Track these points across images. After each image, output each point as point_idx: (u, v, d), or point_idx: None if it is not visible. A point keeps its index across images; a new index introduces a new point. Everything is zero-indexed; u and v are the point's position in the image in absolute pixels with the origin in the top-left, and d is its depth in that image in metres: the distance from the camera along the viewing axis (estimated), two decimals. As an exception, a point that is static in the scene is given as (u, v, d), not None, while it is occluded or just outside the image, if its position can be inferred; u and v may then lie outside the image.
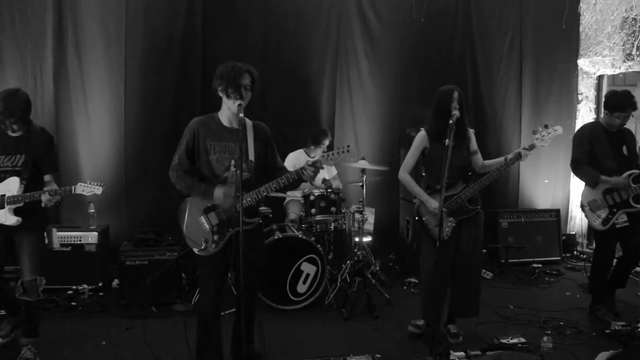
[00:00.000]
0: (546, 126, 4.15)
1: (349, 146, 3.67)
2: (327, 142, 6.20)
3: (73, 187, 3.89)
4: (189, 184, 3.63)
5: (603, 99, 5.26)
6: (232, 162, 3.60)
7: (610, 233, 4.93)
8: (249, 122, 3.72)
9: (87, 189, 3.91)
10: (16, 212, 3.90)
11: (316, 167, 3.55)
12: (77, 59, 6.26)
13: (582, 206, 5.11)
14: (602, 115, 5.26)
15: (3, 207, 3.87)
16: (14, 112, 3.80)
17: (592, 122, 5.23)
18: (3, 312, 4.60)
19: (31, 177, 3.96)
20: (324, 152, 3.72)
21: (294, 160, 6.16)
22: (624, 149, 4.96)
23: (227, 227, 3.62)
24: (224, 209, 3.60)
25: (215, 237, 3.62)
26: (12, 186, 3.89)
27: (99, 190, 3.95)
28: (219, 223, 3.62)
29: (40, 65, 6.13)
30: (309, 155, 6.20)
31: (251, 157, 3.65)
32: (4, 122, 3.82)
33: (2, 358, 4.13)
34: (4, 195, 3.87)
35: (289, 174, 3.56)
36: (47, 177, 4.05)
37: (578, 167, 5.07)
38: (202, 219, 3.63)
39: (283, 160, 5.86)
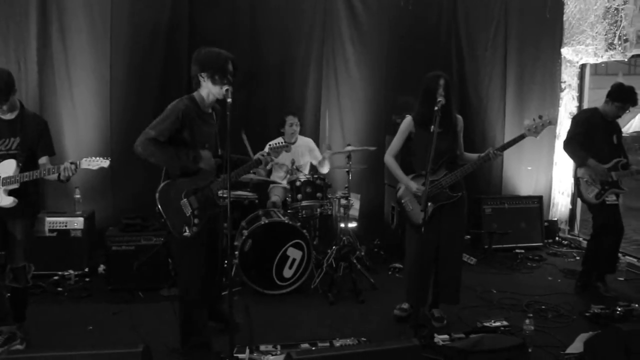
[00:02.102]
0: (540, 117, 4.20)
1: (282, 142, 4.10)
2: (291, 121, 6.23)
3: (78, 162, 3.88)
4: (172, 154, 3.64)
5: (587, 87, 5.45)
6: (206, 145, 3.74)
7: (604, 208, 5.20)
8: (217, 107, 3.88)
9: (92, 163, 3.90)
10: (13, 194, 3.90)
11: (270, 158, 3.90)
12: (62, 44, 6.20)
13: (578, 179, 5.34)
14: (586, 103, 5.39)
15: None
16: None
17: (592, 108, 5.51)
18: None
19: (27, 160, 3.96)
20: (269, 146, 3.99)
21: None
22: (614, 137, 5.29)
23: (206, 210, 3.74)
24: (202, 193, 3.73)
25: (196, 221, 3.72)
26: (8, 168, 3.89)
27: (105, 164, 3.92)
28: (199, 207, 3.72)
29: (25, 50, 6.05)
30: (286, 142, 6.24)
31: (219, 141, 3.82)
32: None
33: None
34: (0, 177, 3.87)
35: (247, 165, 3.87)
36: (42, 160, 4.05)
37: (570, 145, 5.31)
38: (185, 202, 3.72)
39: (255, 149, 5.99)
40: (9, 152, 3.93)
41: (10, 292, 4.11)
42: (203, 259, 3.81)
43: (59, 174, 3.85)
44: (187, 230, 3.70)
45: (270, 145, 3.98)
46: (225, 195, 3.69)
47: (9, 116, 3.95)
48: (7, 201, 3.89)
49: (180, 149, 3.65)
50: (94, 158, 3.93)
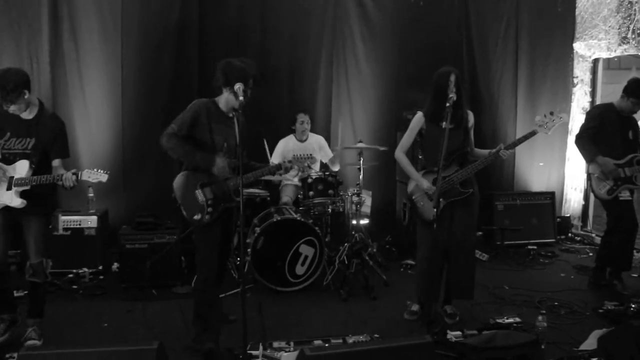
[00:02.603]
0: (552, 113, 4.18)
1: (311, 155, 4.33)
2: (302, 119, 6.25)
3: (80, 172, 3.93)
4: (188, 151, 3.87)
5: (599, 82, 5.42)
6: (225, 145, 3.95)
7: (617, 204, 5.17)
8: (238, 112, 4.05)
9: (92, 175, 3.97)
10: (23, 195, 3.92)
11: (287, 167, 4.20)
12: (74, 43, 6.25)
13: (590, 174, 5.31)
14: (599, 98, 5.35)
15: (10, 189, 3.90)
16: (4, 86, 3.73)
17: (606, 103, 5.44)
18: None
19: (40, 162, 3.98)
20: (294, 155, 4.25)
21: (283, 145, 6.25)
22: (630, 133, 5.22)
23: (220, 202, 3.92)
24: (217, 186, 3.93)
25: (210, 209, 3.90)
26: (21, 169, 3.92)
27: (104, 178, 4.02)
28: (213, 197, 3.91)
29: (37, 51, 6.11)
30: (298, 140, 6.28)
31: (239, 141, 4.00)
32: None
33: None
34: (13, 177, 3.91)
35: (267, 168, 4.18)
36: (55, 162, 4.06)
37: (581, 140, 5.28)
38: (198, 192, 3.91)
39: (273, 147, 6.17)
40: (25, 151, 3.95)
41: (29, 288, 4.17)
42: (217, 251, 4.01)
43: (62, 182, 3.89)
44: (200, 216, 3.88)
45: (294, 155, 4.27)
46: (256, 191, 4.34)
47: (28, 115, 3.96)
48: (17, 202, 3.91)
49: (197, 150, 3.87)
50: (94, 170, 4.01)
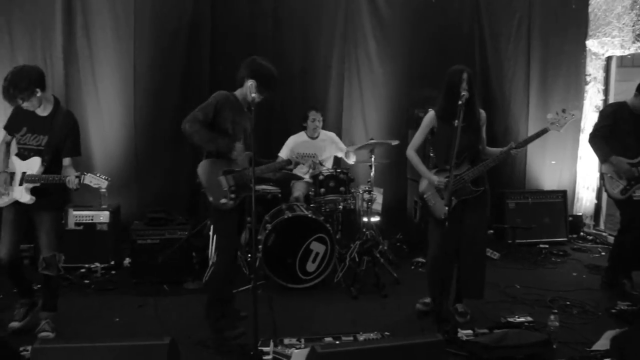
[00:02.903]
0: (564, 110, 4.15)
1: (311, 158, 4.76)
2: (313, 116, 6.25)
3: (83, 176, 3.98)
4: (211, 137, 4.01)
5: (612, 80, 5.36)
6: (242, 137, 4.14)
7: (631, 204, 5.11)
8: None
9: (94, 180, 4.02)
10: (33, 191, 4.00)
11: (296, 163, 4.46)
12: (87, 40, 6.29)
13: (603, 174, 5.27)
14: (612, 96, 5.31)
15: (21, 185, 3.98)
16: (17, 83, 3.81)
17: (619, 102, 5.38)
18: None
19: (52, 159, 4.05)
20: (298, 153, 4.49)
21: (293, 142, 6.26)
22: None
23: (241, 190, 4.11)
24: (238, 175, 4.11)
25: (232, 196, 4.08)
26: (33, 165, 4.01)
27: (104, 184, 4.07)
28: (235, 185, 4.10)
29: (50, 47, 6.17)
30: (309, 137, 6.29)
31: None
32: (7, 90, 3.84)
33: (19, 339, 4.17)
34: (25, 172, 3.99)
35: (278, 163, 4.46)
36: (66, 161, 4.13)
37: (595, 140, 5.23)
38: (221, 179, 4.08)
39: (282, 143, 6.24)
40: (39, 148, 4.03)
41: (42, 281, 4.23)
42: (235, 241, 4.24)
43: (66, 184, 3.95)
44: (225, 200, 4.05)
45: (299, 153, 4.62)
46: (267, 188, 4.56)
47: (43, 112, 4.04)
48: (26, 198, 4.00)
49: (217, 135, 4.02)
50: (96, 176, 4.05)
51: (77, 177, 3.95)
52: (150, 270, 5.33)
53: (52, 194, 4.08)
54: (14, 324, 4.21)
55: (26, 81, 3.83)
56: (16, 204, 4.05)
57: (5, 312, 4.52)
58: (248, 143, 4.14)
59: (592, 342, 4.03)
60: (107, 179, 4.09)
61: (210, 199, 4.06)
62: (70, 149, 4.14)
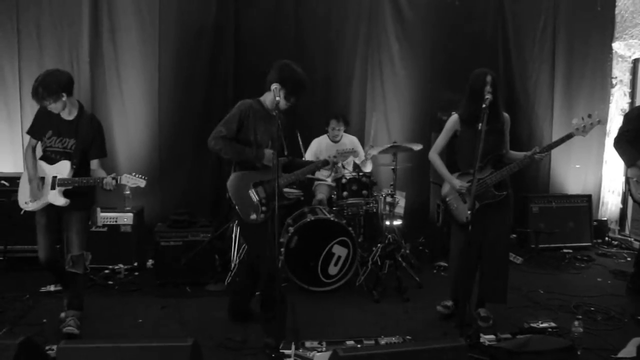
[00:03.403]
0: (590, 115, 4.11)
1: (352, 149, 4.50)
2: (333, 125, 6.23)
3: (119, 177, 4.14)
4: (240, 150, 4.03)
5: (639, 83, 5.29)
6: (270, 143, 4.08)
7: None
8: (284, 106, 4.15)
9: (131, 180, 4.16)
10: (66, 194, 4.13)
11: (337, 159, 4.32)
12: (112, 43, 6.38)
13: (629, 178, 5.19)
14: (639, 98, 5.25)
15: (54, 189, 4.10)
16: (47, 84, 3.95)
17: None
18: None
19: (80, 162, 4.18)
20: (338, 150, 4.37)
21: (317, 145, 6.27)
22: None
23: (272, 200, 3.99)
24: (268, 185, 4.06)
25: (264, 209, 4.07)
26: (63, 169, 4.13)
27: (142, 183, 4.19)
28: (266, 196, 4.08)
29: (77, 50, 6.28)
30: (331, 140, 6.29)
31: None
32: (37, 89, 3.95)
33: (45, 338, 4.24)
34: (56, 177, 4.10)
35: (313, 165, 4.34)
36: (94, 163, 4.27)
37: (620, 143, 5.16)
38: (252, 192, 4.08)
39: (307, 146, 6.19)
40: (65, 150, 4.16)
41: (69, 280, 4.31)
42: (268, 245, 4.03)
43: (102, 185, 4.09)
44: (255, 215, 4.04)
45: (338, 150, 4.35)
46: (291, 191, 4.37)
47: (69, 117, 4.17)
48: (61, 201, 4.13)
49: (245, 147, 4.03)
50: (133, 175, 4.19)
51: (113, 178, 4.09)
52: (173, 272, 5.38)
53: (82, 195, 4.21)
54: (63, 315, 4.33)
55: (55, 84, 3.97)
56: (48, 206, 4.17)
57: (31, 311, 4.63)
58: (276, 148, 4.01)
59: (617, 350, 3.97)
60: (144, 178, 4.20)
61: (240, 214, 4.07)
62: (98, 151, 4.28)
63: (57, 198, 4.12)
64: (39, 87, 3.95)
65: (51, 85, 3.95)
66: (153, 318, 4.64)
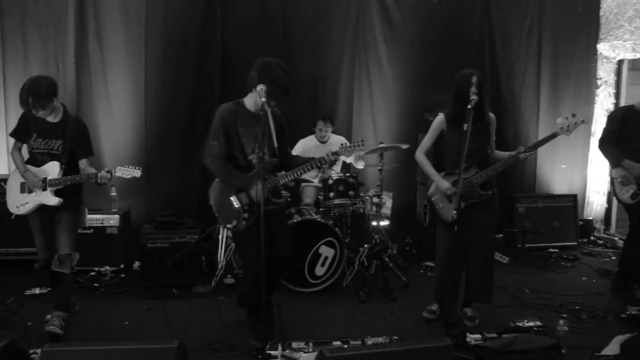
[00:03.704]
0: (573, 115, 4.14)
1: (362, 141, 4.03)
2: (320, 126, 6.18)
3: (113, 170, 4.19)
4: (227, 172, 3.95)
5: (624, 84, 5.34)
6: (256, 145, 3.90)
7: None
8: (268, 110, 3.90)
9: (126, 172, 4.22)
10: (58, 193, 4.21)
11: (336, 157, 3.95)
12: (98, 44, 6.33)
13: (612, 179, 5.27)
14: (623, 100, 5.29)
15: (45, 189, 4.18)
16: (36, 93, 3.98)
17: (628, 106, 5.39)
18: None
19: (68, 162, 4.24)
20: (342, 144, 4.00)
21: (304, 145, 6.23)
22: None
23: (257, 206, 3.87)
24: (254, 190, 3.91)
25: (246, 215, 3.95)
26: (52, 170, 4.20)
27: (137, 173, 4.25)
28: (249, 202, 3.96)
29: (63, 51, 6.22)
30: (319, 141, 6.26)
31: (275, 143, 4.00)
32: (27, 100, 3.98)
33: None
34: (46, 178, 4.17)
35: (312, 162, 3.98)
36: (82, 162, 4.33)
37: (605, 144, 5.23)
38: (233, 198, 3.97)
39: (292, 147, 6.01)
40: (51, 152, 4.21)
41: (56, 280, 4.34)
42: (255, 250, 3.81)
43: (96, 180, 4.14)
44: (235, 222, 3.94)
45: (342, 145, 4.04)
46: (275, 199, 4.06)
47: (54, 119, 4.22)
48: (54, 201, 4.19)
49: (233, 170, 3.94)
50: (127, 167, 4.25)
51: (107, 171, 4.14)
52: (160, 273, 5.35)
53: (71, 194, 4.28)
54: (49, 316, 4.32)
55: (46, 90, 4.03)
56: (39, 208, 4.23)
57: (15, 314, 4.62)
58: (270, 149, 3.95)
59: (601, 347, 4.01)
60: (138, 168, 4.26)
61: (220, 221, 4.04)
62: (86, 151, 4.36)
63: (50, 198, 4.18)
64: (28, 98, 3.98)
65: (40, 94, 4.00)
66: (139, 320, 4.62)
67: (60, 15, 6.17)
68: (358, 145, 3.98)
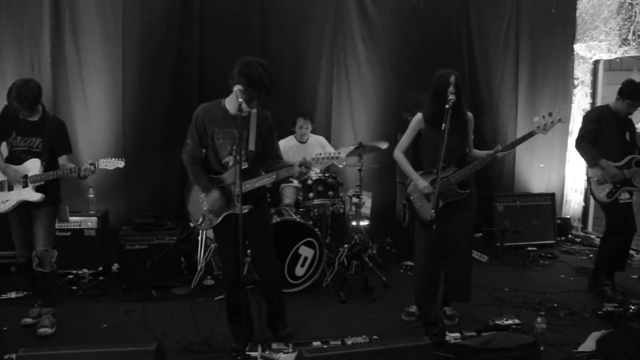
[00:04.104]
0: (550, 114, 4.18)
1: (339, 152, 3.94)
2: (301, 123, 6.20)
3: (96, 162, 4.30)
4: (196, 174, 3.94)
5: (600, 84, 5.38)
6: (234, 147, 3.84)
7: (616, 207, 5.15)
8: (253, 111, 3.91)
9: (110, 164, 4.34)
10: (39, 190, 4.28)
11: (306, 167, 3.77)
12: (75, 45, 6.26)
13: (589, 178, 5.34)
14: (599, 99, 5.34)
15: (27, 186, 4.25)
16: (26, 95, 4.14)
17: (603, 105, 5.47)
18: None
19: (48, 159, 4.34)
20: (316, 154, 3.87)
21: (283, 146, 6.18)
22: (627, 135, 5.23)
23: (229, 205, 3.86)
24: (222, 192, 3.87)
25: (211, 216, 3.92)
26: (33, 167, 4.27)
27: (121, 164, 4.37)
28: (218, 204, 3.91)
29: (38, 51, 6.13)
30: (298, 141, 6.25)
31: (251, 147, 3.88)
32: (16, 105, 4.17)
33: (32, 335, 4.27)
34: (27, 175, 4.26)
35: (280, 172, 3.85)
36: (62, 159, 4.42)
37: (581, 145, 5.28)
38: (202, 198, 3.93)
39: None
40: (31, 149, 4.29)
41: (38, 278, 4.39)
42: (232, 248, 3.83)
43: (79, 173, 4.25)
44: (201, 220, 3.96)
45: (316, 155, 3.84)
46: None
47: (34, 118, 4.31)
48: (36, 197, 4.26)
49: (201, 174, 3.92)
50: (110, 159, 4.36)
51: (91, 164, 4.26)
52: (139, 275, 5.30)
53: (49, 189, 4.33)
54: (27, 320, 4.45)
55: (35, 93, 4.21)
56: (19, 205, 4.28)
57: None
58: (237, 152, 3.81)
59: (578, 344, 4.07)
60: (121, 159, 4.38)
61: (190, 220, 4.07)
62: (65, 148, 4.46)
63: (32, 194, 4.25)
64: (19, 100, 4.13)
65: (30, 95, 4.16)
66: (118, 323, 4.59)
67: (35, 14, 6.08)
68: (332, 158, 3.82)
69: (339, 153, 3.90)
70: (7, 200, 4.28)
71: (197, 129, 3.87)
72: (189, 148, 3.91)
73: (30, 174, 4.24)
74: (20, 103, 4.14)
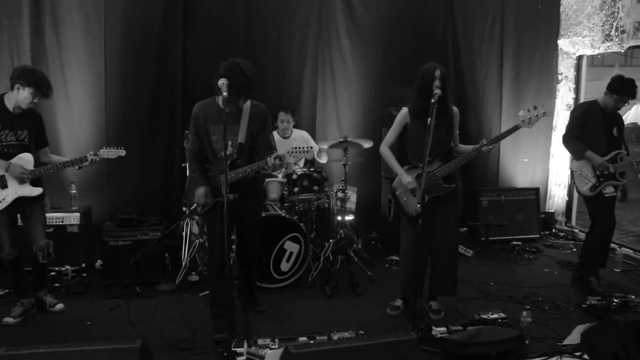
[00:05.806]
0: (535, 107, 4.19)
1: (311, 147, 4.12)
2: (282, 117, 6.21)
3: (98, 152, 4.51)
4: (192, 171, 4.22)
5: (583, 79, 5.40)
6: (230, 143, 4.03)
7: (601, 201, 5.19)
8: (247, 104, 4.13)
9: (111, 153, 4.60)
10: (34, 184, 4.36)
11: (280, 160, 3.91)
12: (56, 39, 6.16)
13: (573, 172, 5.37)
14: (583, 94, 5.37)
15: (24, 182, 4.30)
16: (49, 85, 4.32)
17: (590, 101, 5.49)
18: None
19: (34, 152, 4.40)
20: (292, 148, 3.97)
21: None
22: (615, 130, 5.26)
23: (215, 195, 4.06)
24: (212, 180, 4.10)
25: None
26: (27, 162, 4.31)
27: (122, 153, 4.66)
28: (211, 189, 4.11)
29: (18, 45, 6.02)
30: (281, 137, 6.23)
31: (241, 139, 4.08)
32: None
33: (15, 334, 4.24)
34: (32, 169, 4.31)
35: (259, 163, 4.01)
36: (45, 151, 4.52)
37: (568, 139, 5.33)
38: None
39: None
40: (20, 143, 4.30)
41: (36, 268, 4.57)
42: (218, 238, 3.91)
43: (81, 164, 4.43)
44: (196, 205, 4.11)
45: (293, 148, 3.99)
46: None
47: (17, 111, 4.28)
48: (37, 191, 4.37)
49: (196, 170, 4.15)
50: (111, 148, 4.61)
51: (94, 154, 4.45)
52: (123, 272, 5.25)
53: (41, 184, 4.42)
54: (8, 320, 4.39)
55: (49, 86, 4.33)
56: (10, 204, 4.27)
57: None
58: (239, 148, 4.11)
59: (563, 337, 4.08)
60: (122, 148, 4.65)
61: (186, 205, 4.23)
62: (45, 140, 4.54)
63: (31, 189, 4.33)
64: (48, 90, 4.29)
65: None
66: (102, 320, 4.53)
67: (14, 8, 5.96)
68: (304, 152, 4.00)
69: (310, 148, 4.09)
70: (3, 199, 4.25)
71: (196, 128, 4.09)
72: (189, 144, 4.20)
73: (28, 169, 4.28)
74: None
